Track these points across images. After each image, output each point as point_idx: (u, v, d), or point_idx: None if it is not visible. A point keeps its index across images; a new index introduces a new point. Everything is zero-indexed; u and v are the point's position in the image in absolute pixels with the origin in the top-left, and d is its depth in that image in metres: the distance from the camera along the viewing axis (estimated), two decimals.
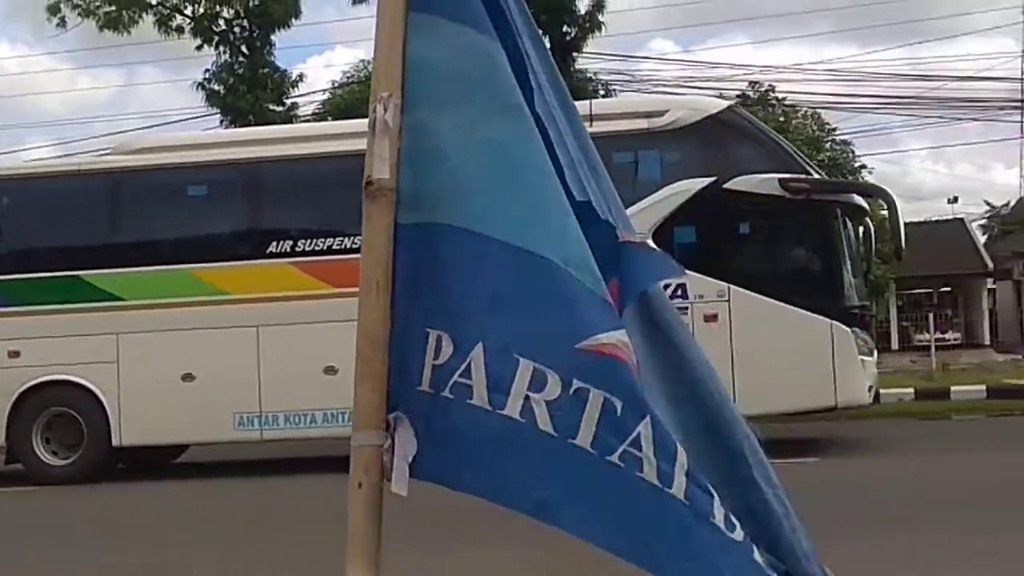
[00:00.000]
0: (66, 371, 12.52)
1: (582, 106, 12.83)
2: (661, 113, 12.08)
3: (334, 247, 12.30)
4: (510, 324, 2.10)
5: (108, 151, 13.97)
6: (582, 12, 24.00)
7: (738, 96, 26.20)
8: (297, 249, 12.35)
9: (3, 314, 12.61)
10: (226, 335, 12.27)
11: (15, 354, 12.54)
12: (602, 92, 24.36)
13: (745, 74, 30.41)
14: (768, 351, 11.63)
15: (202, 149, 12.91)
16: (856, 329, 11.87)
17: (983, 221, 50.22)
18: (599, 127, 12.06)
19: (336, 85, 28.70)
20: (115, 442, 12.48)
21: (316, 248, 12.32)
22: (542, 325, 2.10)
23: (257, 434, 12.36)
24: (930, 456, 11.33)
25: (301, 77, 27.46)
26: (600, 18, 23.94)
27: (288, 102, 27.15)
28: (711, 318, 11.79)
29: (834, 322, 11.71)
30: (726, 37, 75.42)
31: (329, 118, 26.59)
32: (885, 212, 13.67)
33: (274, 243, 12.40)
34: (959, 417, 14.94)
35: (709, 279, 11.77)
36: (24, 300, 12.61)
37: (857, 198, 12.43)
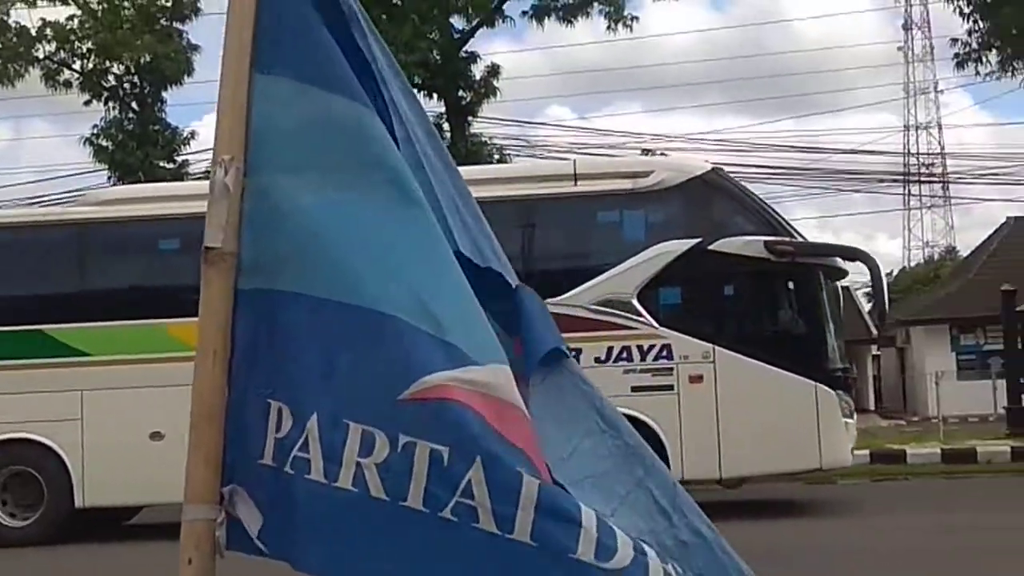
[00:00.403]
0: (25, 429, 12.03)
1: (565, 165, 12.90)
2: (646, 173, 12.00)
3: None
4: (341, 389, 2.02)
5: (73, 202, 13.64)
6: (477, 77, 24.41)
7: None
8: None
9: None
10: None
11: None
12: (496, 156, 24.75)
13: (637, 141, 30.97)
14: (753, 412, 11.55)
15: (173, 201, 12.55)
16: (839, 391, 11.80)
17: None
18: (584, 186, 12.06)
19: None
20: (77, 503, 11.98)
21: None
22: (369, 383, 2.02)
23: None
24: (813, 520, 11.55)
25: (193, 134, 27.32)
26: (495, 83, 24.40)
27: (179, 159, 27.03)
28: (696, 379, 11.68)
29: (818, 384, 11.66)
30: (621, 105, 77.19)
31: None
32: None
33: None
34: (844, 482, 14.90)
35: (694, 340, 11.70)
36: None
37: (839, 261, 12.43)
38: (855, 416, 12.63)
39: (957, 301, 32.95)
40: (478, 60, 24.60)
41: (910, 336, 36.37)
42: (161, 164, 25.86)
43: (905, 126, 52.24)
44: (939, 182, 52.26)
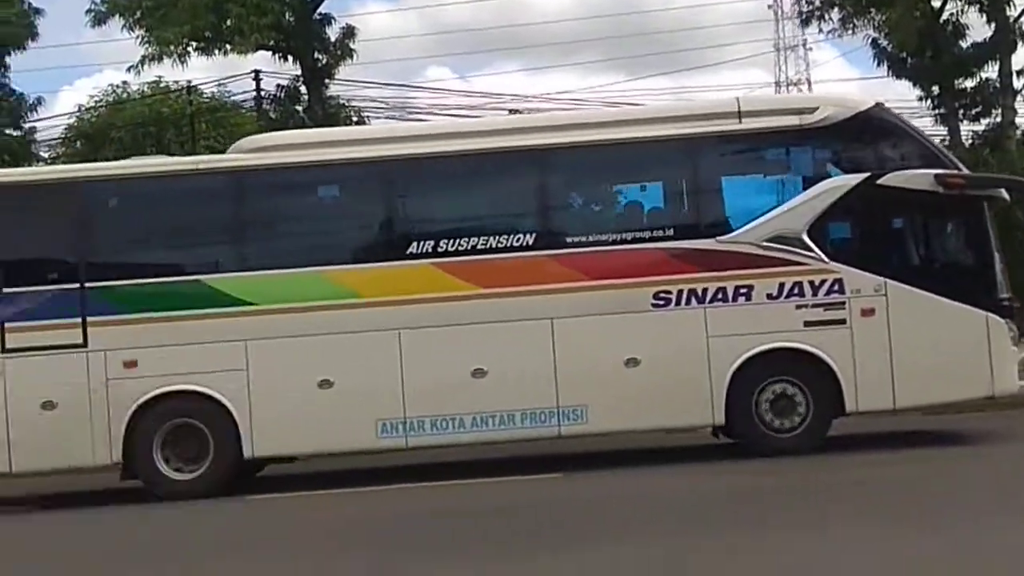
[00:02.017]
0: (189, 380, 11.80)
1: (729, 102, 12.80)
2: (812, 109, 11.97)
3: (478, 247, 11.88)
4: None
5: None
6: (333, 39, 24.31)
7: None
8: (439, 249, 11.89)
9: (119, 322, 11.86)
10: (365, 339, 11.73)
11: (131, 364, 11.79)
12: (355, 119, 24.62)
13: (513, 99, 31.12)
14: (925, 343, 11.65)
15: (331, 147, 12.33)
16: (1008, 320, 11.91)
17: None
18: (750, 123, 12.00)
19: (82, 109, 28.11)
20: (246, 454, 11.80)
21: (459, 248, 11.86)
22: None
23: (402, 441, 11.81)
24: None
25: (40, 101, 26.47)
26: (351, 45, 24.31)
27: (27, 126, 26.40)
28: (868, 312, 11.73)
29: (989, 314, 11.75)
30: (499, 65, 77.81)
31: (78, 143, 26.30)
32: None
33: (414, 243, 11.91)
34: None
35: (865, 274, 11.74)
36: (140, 307, 11.86)
37: (1004, 192, 12.53)
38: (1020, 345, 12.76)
39: None
40: (333, 22, 24.49)
41: None
42: (7, 131, 25.20)
43: (776, 82, 52.78)
44: None
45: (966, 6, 22.86)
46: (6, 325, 11.81)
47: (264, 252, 12.20)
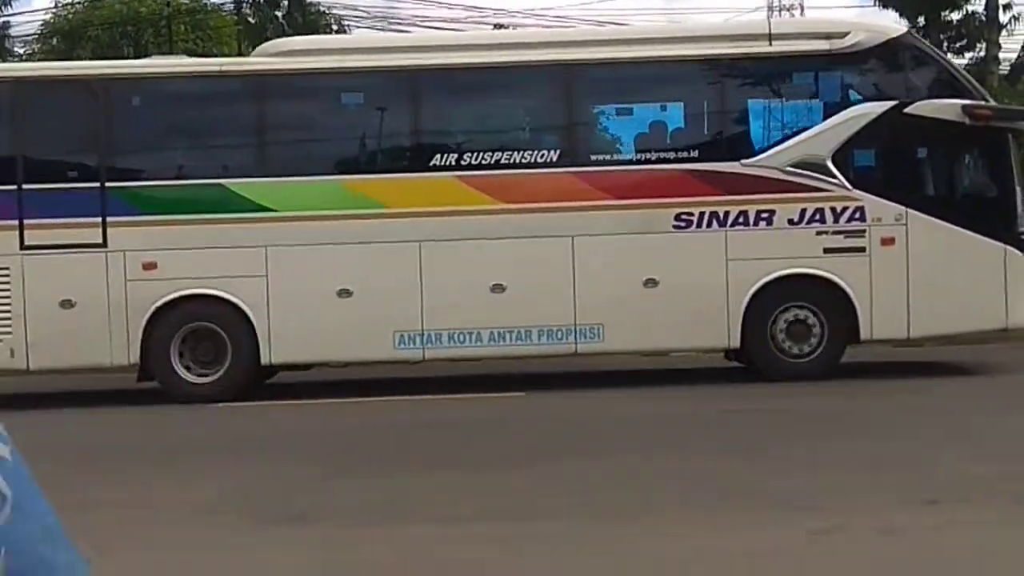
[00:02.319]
0: (208, 284, 11.80)
1: (759, 24, 12.71)
2: (842, 35, 11.88)
3: (501, 161, 11.85)
4: None
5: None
6: None
7: None
8: (462, 162, 11.84)
9: (139, 224, 11.81)
10: (386, 250, 11.73)
11: (151, 266, 11.78)
12: (335, 27, 24.14)
13: (481, 17, 30.75)
14: (943, 274, 11.73)
15: (357, 53, 12.21)
16: None
17: None
18: (779, 46, 11.93)
19: (59, 5, 27.78)
20: (264, 360, 11.85)
21: (482, 162, 11.83)
22: None
23: (419, 353, 11.89)
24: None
25: None
26: None
27: (0, 20, 26.21)
28: (888, 241, 11.77)
29: (1008, 247, 11.80)
30: None
31: (54, 40, 25.92)
32: None
33: (438, 156, 11.86)
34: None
35: (887, 202, 11.76)
36: (161, 209, 11.82)
37: None
38: None
39: None
40: None
41: None
42: None
43: (768, 7, 52.25)
44: None
45: None
46: (25, 222, 11.77)
47: (286, 158, 12.10)
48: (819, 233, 11.80)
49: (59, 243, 11.74)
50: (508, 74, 12.06)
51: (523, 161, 11.85)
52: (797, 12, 50.47)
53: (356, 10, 27.37)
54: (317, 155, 12.20)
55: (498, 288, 11.77)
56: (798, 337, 11.95)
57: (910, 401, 10.62)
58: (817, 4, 63.26)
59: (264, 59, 12.27)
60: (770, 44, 11.93)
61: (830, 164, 11.75)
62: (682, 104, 12.15)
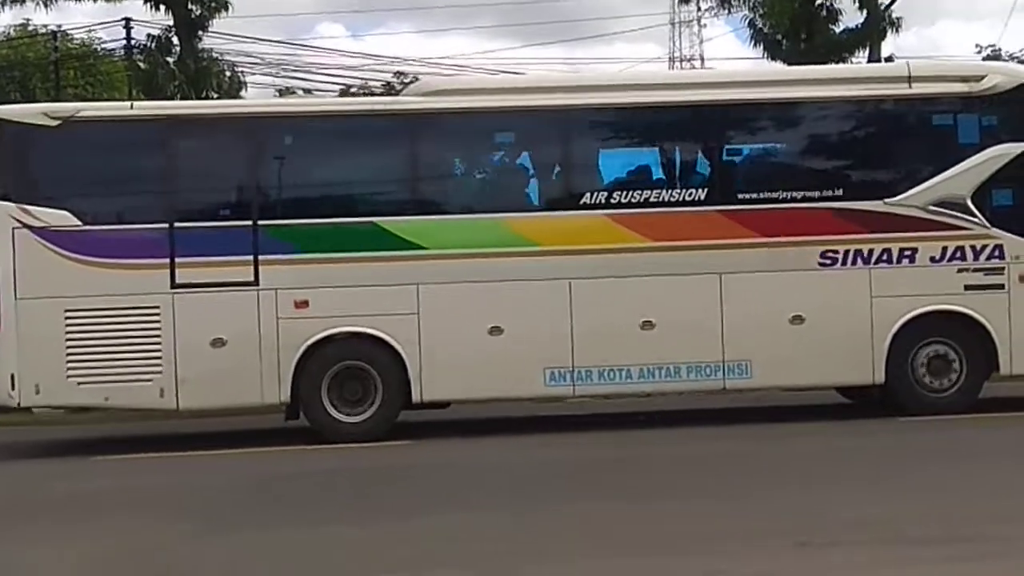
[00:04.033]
0: (360, 323, 11.82)
1: (900, 67, 12.98)
2: (979, 77, 12.22)
3: (650, 199, 12.02)
4: None
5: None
6: None
7: (384, 84, 26.58)
8: (612, 201, 12.00)
9: (291, 262, 11.83)
10: (536, 287, 11.83)
11: (303, 304, 11.79)
12: (228, 73, 24.09)
13: (378, 65, 30.98)
14: None
15: (510, 93, 12.37)
16: None
17: None
18: (919, 88, 12.23)
19: None
20: (415, 398, 11.88)
21: (632, 200, 12.00)
22: None
23: (569, 389, 11.98)
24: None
25: None
26: None
27: None
28: None
29: None
30: (393, 26, 77.54)
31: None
32: None
33: (588, 194, 12.01)
34: None
35: None
36: (314, 247, 11.85)
37: None
38: None
39: None
40: None
41: None
42: None
43: (671, 57, 53.34)
44: None
45: None
46: (177, 260, 11.77)
47: (438, 196, 12.22)
48: (960, 271, 12.07)
49: (211, 281, 11.74)
50: (657, 114, 12.29)
51: (671, 199, 12.04)
52: (697, 63, 51.26)
53: (251, 56, 27.09)
54: (468, 193, 12.35)
55: (647, 325, 11.90)
56: (939, 372, 12.19)
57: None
58: (715, 55, 64.56)
59: (416, 98, 12.35)
60: (910, 86, 12.24)
61: (969, 203, 12.03)
62: (826, 143, 12.41)
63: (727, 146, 12.45)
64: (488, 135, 12.38)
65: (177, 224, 11.77)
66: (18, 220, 11.66)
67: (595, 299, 11.89)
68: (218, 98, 20.62)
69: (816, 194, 12.11)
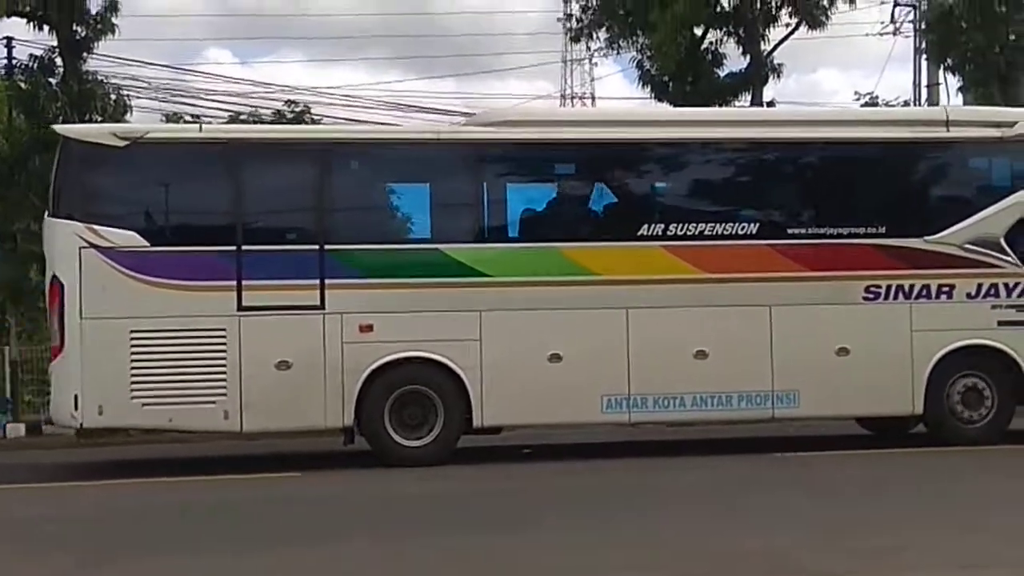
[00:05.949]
0: (423, 348, 12.01)
1: (938, 111, 13.56)
2: (1011, 124, 12.93)
3: (704, 232, 12.43)
4: None
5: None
6: (93, 12, 22.98)
7: (275, 113, 26.82)
8: (668, 233, 12.38)
9: (356, 286, 12.00)
10: (595, 316, 12.16)
11: (368, 328, 11.95)
12: (114, 96, 23.57)
13: (268, 93, 31.24)
14: None
15: (571, 125, 12.71)
16: None
17: None
18: (956, 132, 12.86)
19: None
20: (476, 423, 12.08)
21: (687, 232, 12.39)
22: None
23: (625, 416, 12.29)
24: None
25: None
26: (113, 20, 22.98)
27: None
28: None
29: None
30: (284, 54, 78.43)
31: None
32: None
33: (646, 226, 12.39)
34: None
35: None
36: (379, 272, 12.03)
37: None
38: None
39: None
40: None
41: None
42: None
43: (562, 95, 54.68)
44: None
45: (725, 37, 23.47)
46: (243, 283, 11.85)
47: (501, 225, 12.49)
48: (994, 307, 12.68)
49: (277, 304, 11.86)
50: (713, 150, 12.77)
51: (726, 233, 12.47)
52: (589, 101, 52.19)
53: (138, 80, 26.85)
54: (530, 222, 12.61)
55: (701, 354, 12.28)
56: (972, 404, 12.76)
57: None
58: (606, 94, 65.92)
59: (482, 128, 12.66)
60: (948, 130, 12.87)
61: (1003, 242, 12.67)
62: (869, 183, 12.96)
63: (775, 182, 12.97)
64: (550, 166, 12.72)
65: (244, 247, 11.89)
66: (85, 240, 11.66)
67: (651, 328, 12.25)
68: (101, 121, 20.16)
69: (861, 231, 12.67)
